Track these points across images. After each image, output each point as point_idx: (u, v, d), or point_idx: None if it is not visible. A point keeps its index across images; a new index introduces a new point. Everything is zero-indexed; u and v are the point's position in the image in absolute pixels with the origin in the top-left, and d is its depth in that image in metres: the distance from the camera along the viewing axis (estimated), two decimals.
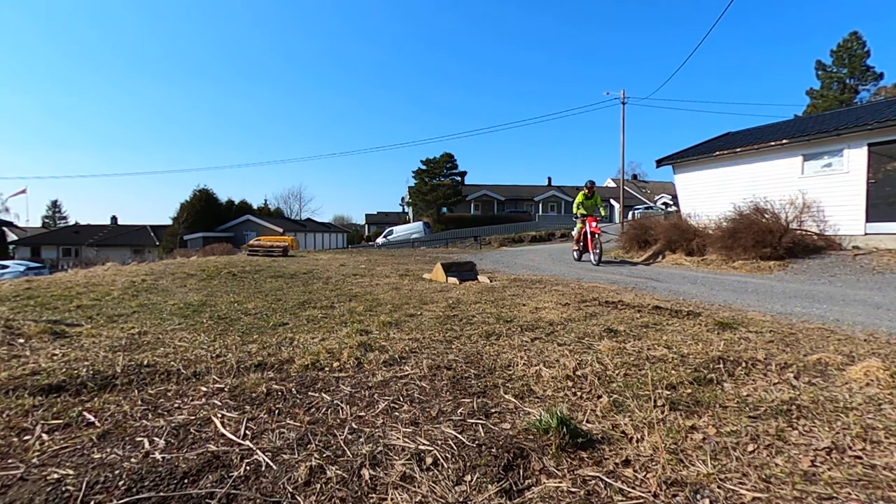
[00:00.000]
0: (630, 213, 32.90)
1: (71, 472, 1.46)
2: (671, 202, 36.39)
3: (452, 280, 7.14)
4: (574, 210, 11.85)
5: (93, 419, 1.87)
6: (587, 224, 11.09)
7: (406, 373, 2.55)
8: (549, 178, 57.90)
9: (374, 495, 1.39)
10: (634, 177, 60.25)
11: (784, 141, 12.54)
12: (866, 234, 10.70)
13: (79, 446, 1.65)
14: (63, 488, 1.37)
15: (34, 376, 2.32)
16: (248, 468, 1.52)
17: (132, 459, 1.55)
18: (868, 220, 10.77)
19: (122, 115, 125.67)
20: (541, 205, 51.40)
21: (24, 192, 42.80)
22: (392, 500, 1.37)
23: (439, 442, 1.71)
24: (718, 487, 1.43)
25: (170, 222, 40.27)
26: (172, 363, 2.61)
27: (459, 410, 2.03)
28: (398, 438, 1.73)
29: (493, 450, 1.63)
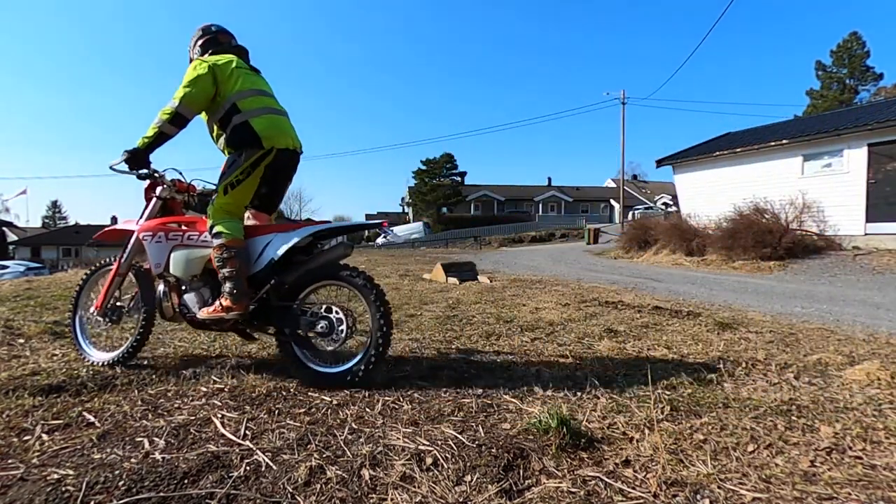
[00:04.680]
0: (630, 213, 32.91)
1: (71, 472, 1.46)
2: (671, 202, 36.38)
3: (452, 280, 7.14)
4: None
5: (93, 419, 1.87)
6: None
7: (406, 373, 2.55)
8: (549, 178, 57.95)
9: (374, 495, 1.39)
10: (634, 177, 60.19)
11: (784, 141, 12.55)
12: (866, 234, 10.71)
13: (79, 446, 1.65)
14: (63, 488, 1.37)
15: (34, 376, 2.32)
16: (248, 468, 1.52)
17: (132, 459, 1.55)
18: (868, 220, 10.79)
19: (122, 114, 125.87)
20: (541, 205, 51.39)
21: (24, 192, 42.77)
22: (392, 500, 1.37)
23: (439, 442, 1.71)
24: (718, 487, 1.43)
25: None
26: (172, 363, 2.61)
27: (459, 410, 2.03)
28: (398, 439, 1.73)
29: (493, 450, 1.63)
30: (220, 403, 2.06)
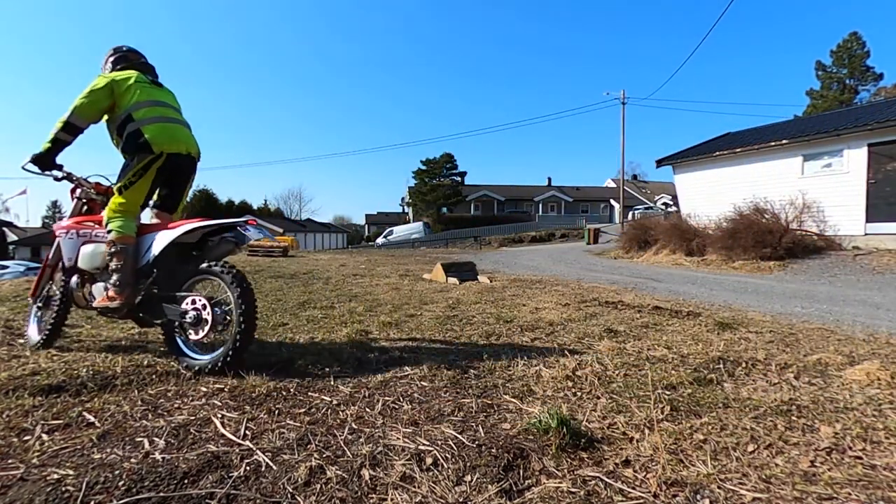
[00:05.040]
0: (630, 213, 32.91)
1: (71, 472, 1.46)
2: (671, 202, 36.38)
3: (452, 280, 7.14)
4: None
5: (93, 419, 1.87)
6: None
7: (406, 373, 2.55)
8: (549, 179, 57.94)
9: (374, 495, 1.39)
10: (634, 177, 60.19)
11: (784, 141, 12.55)
12: (866, 234, 10.71)
13: (79, 446, 1.65)
14: (63, 488, 1.37)
15: (34, 376, 2.32)
16: (248, 468, 1.52)
17: (132, 459, 1.55)
18: (868, 220, 10.78)
19: None
20: (541, 205, 51.38)
21: (24, 192, 42.72)
22: (392, 500, 1.37)
23: (439, 442, 1.71)
24: (718, 487, 1.43)
25: None
26: (172, 363, 2.60)
27: (459, 411, 2.03)
28: (398, 439, 1.73)
29: (493, 450, 1.63)
30: (220, 403, 2.06)
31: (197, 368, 2.43)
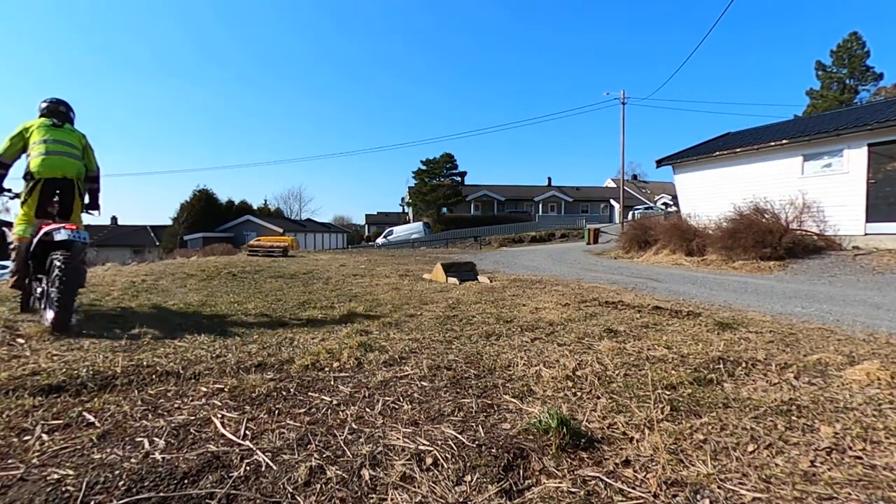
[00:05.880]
0: (630, 213, 32.90)
1: (71, 472, 1.46)
2: (671, 202, 36.39)
3: (452, 280, 7.14)
4: None
5: (93, 419, 1.87)
6: None
7: (406, 373, 2.55)
8: (549, 179, 57.86)
9: (374, 495, 1.39)
10: (634, 177, 60.20)
11: (784, 141, 12.55)
12: (866, 234, 10.71)
13: (79, 446, 1.65)
14: (63, 488, 1.37)
15: (34, 376, 2.32)
16: (248, 468, 1.52)
17: (132, 459, 1.55)
18: (868, 220, 10.78)
19: (121, 116, 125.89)
20: (541, 205, 51.34)
21: None
22: (392, 500, 1.37)
23: (439, 442, 1.71)
24: (718, 487, 1.43)
25: (170, 222, 40.23)
26: (172, 363, 2.61)
27: (459, 411, 2.03)
28: (398, 439, 1.74)
29: (493, 450, 1.63)
30: (220, 403, 2.06)
31: (47, 325, 3.29)
